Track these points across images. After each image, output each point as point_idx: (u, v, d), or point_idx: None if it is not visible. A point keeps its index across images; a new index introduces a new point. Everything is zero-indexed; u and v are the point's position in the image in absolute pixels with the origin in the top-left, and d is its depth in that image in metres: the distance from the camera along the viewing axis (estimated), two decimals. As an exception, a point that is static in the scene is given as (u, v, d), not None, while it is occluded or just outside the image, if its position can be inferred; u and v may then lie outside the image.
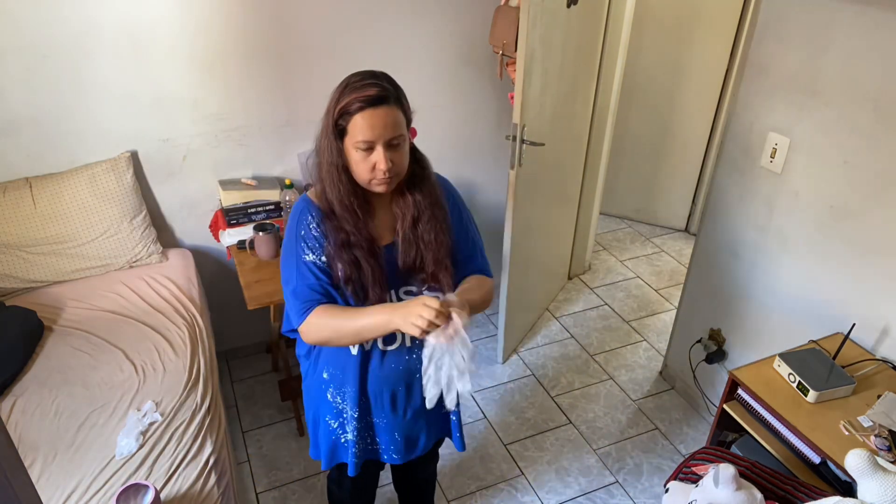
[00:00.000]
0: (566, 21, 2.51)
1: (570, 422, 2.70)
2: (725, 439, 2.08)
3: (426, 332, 1.28)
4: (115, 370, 1.98)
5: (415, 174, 1.44)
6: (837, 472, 1.68)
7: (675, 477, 1.72)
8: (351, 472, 1.63)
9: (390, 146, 1.33)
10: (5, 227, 2.20)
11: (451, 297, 1.35)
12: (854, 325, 1.93)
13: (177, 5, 2.24)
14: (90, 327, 2.14)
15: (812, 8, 1.91)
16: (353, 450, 1.60)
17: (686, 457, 1.89)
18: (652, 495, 2.39)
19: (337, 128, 1.33)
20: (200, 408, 1.89)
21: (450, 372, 1.32)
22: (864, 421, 1.70)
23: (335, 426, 1.60)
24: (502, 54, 2.57)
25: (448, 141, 2.93)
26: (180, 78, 2.36)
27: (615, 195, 4.10)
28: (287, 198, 2.47)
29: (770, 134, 2.13)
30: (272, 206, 2.52)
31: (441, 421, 1.71)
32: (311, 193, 1.46)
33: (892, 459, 1.58)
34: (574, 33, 2.65)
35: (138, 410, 1.84)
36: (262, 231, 2.35)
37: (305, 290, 1.39)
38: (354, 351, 1.48)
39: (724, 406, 1.97)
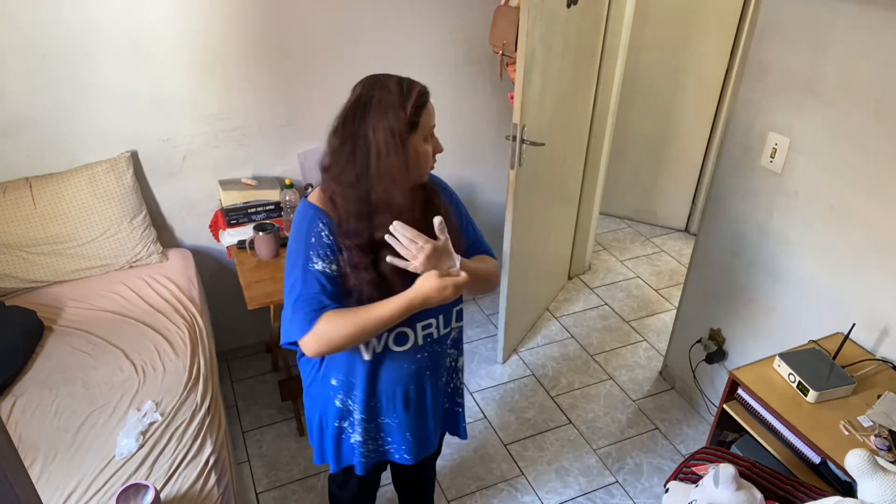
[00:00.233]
0: (566, 21, 2.51)
1: (570, 422, 2.70)
2: (725, 439, 2.08)
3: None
4: (115, 370, 1.98)
5: None
6: (837, 472, 1.68)
7: (675, 477, 1.72)
8: (359, 470, 1.63)
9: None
10: (5, 227, 2.20)
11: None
12: (854, 325, 1.93)
13: (177, 5, 2.24)
14: (90, 327, 2.14)
15: (812, 8, 1.91)
16: (361, 450, 1.60)
17: (686, 457, 1.89)
18: (652, 495, 2.39)
19: (409, 127, 1.32)
20: (200, 408, 1.89)
21: None
22: (864, 421, 1.70)
23: (345, 426, 1.59)
24: (502, 54, 2.57)
25: (448, 141, 2.88)
26: (180, 78, 2.36)
27: (615, 195, 4.10)
28: (287, 198, 2.47)
29: (770, 134, 2.13)
30: (272, 206, 2.52)
31: (443, 416, 1.71)
32: (314, 199, 1.41)
33: (892, 459, 1.58)
34: (574, 33, 2.65)
35: (138, 410, 1.84)
36: (262, 231, 2.35)
37: (315, 298, 1.33)
38: (367, 356, 1.46)
39: (724, 406, 1.97)
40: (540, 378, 2.92)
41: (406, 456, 1.64)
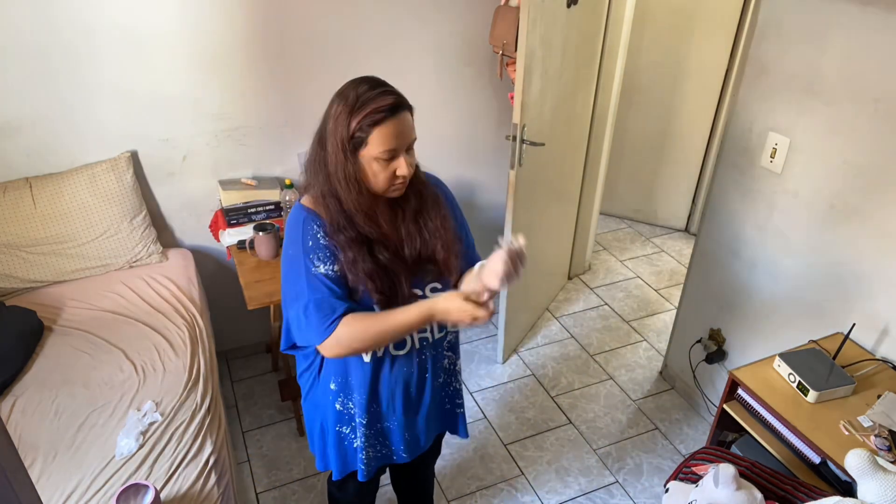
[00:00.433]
0: (566, 21, 2.51)
1: (570, 422, 2.70)
2: (725, 439, 2.08)
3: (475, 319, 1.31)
4: (115, 370, 1.98)
5: None
6: (837, 472, 1.68)
7: (675, 477, 1.72)
8: (361, 476, 1.63)
9: (408, 150, 1.33)
10: (5, 227, 2.20)
11: (471, 285, 1.35)
12: (854, 325, 1.93)
13: (177, 5, 2.24)
14: (90, 327, 2.14)
15: (812, 8, 1.91)
16: (362, 455, 1.60)
17: (686, 457, 1.89)
18: (652, 495, 2.39)
19: (353, 142, 1.29)
20: (200, 408, 1.89)
21: None
22: (864, 421, 1.70)
23: (347, 431, 1.59)
24: (502, 54, 2.57)
25: (448, 141, 2.93)
26: (180, 78, 2.36)
27: (615, 195, 4.10)
28: (287, 198, 2.47)
29: (770, 134, 2.13)
30: (272, 206, 2.52)
31: (442, 416, 1.71)
32: (307, 202, 1.41)
33: (892, 459, 1.58)
34: (574, 33, 2.64)
35: (138, 410, 1.84)
36: (262, 231, 2.35)
37: (326, 302, 1.32)
38: (367, 359, 1.47)
39: (724, 406, 1.97)
40: (540, 378, 2.92)
41: (404, 455, 1.65)
